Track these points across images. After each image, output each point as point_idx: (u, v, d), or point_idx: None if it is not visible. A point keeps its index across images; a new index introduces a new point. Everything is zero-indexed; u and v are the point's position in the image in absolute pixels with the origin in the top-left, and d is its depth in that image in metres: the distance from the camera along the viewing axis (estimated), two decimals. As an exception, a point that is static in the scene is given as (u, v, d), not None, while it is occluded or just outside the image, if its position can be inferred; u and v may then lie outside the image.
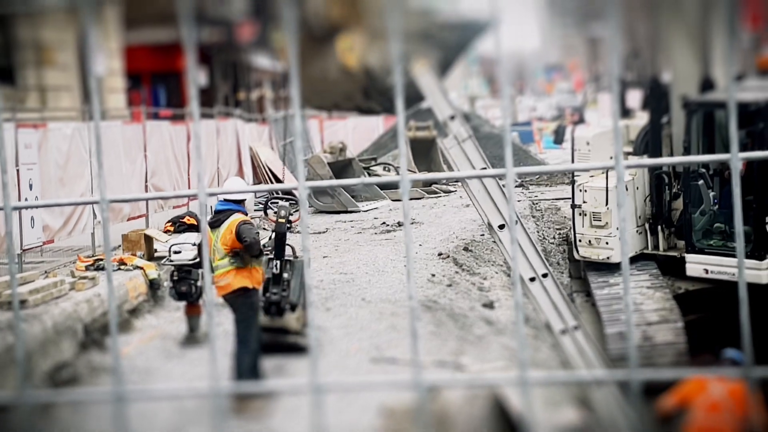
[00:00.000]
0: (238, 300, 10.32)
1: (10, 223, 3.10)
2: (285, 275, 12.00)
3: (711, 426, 8.89)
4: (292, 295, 11.96)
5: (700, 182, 15.96)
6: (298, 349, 11.78)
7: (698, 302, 16.02)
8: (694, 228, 16.07)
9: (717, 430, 8.88)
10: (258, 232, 10.53)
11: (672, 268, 16.53)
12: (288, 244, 12.07)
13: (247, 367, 10.06)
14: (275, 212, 12.88)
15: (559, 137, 34.60)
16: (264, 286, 11.78)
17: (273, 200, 14.35)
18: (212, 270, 10.51)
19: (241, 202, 10.83)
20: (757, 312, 14.22)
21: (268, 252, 12.01)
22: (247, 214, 10.91)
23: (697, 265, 15.77)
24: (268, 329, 11.78)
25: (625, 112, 19.26)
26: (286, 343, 11.85)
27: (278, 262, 11.97)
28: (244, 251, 10.35)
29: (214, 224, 10.72)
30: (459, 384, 9.43)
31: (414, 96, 14.77)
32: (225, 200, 10.88)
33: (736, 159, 2.72)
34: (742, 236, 2.90)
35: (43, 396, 9.16)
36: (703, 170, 16.01)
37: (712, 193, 16.01)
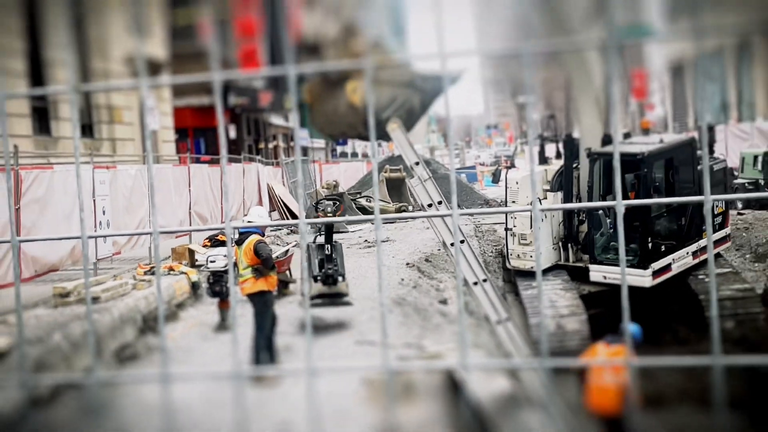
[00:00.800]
0: (256, 298, 10.37)
1: (86, 248, 3.21)
2: (334, 255, 12.72)
3: (599, 383, 8.94)
4: (341, 269, 12.70)
5: (600, 212, 16.18)
6: (347, 304, 12.75)
7: (598, 300, 16.17)
8: (595, 246, 16.28)
9: (604, 386, 8.92)
10: (271, 249, 10.61)
11: (579, 275, 16.71)
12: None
13: (262, 345, 10.18)
14: (323, 210, 13.41)
15: (496, 178, 34.92)
16: (319, 263, 12.55)
17: (321, 201, 14.68)
18: (238, 276, 10.63)
19: (259, 226, 10.89)
20: (641, 306, 14.47)
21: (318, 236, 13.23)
22: (263, 235, 10.94)
23: (598, 273, 15.99)
24: (327, 295, 12.53)
25: (544, 160, 19.41)
26: (341, 302, 12.64)
27: (329, 245, 12.70)
28: (260, 264, 10.41)
29: (239, 242, 10.74)
30: (417, 368, 9.50)
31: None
32: (249, 222, 10.98)
33: (621, 205, 2.88)
34: (624, 256, 3.00)
35: (106, 377, 9.18)
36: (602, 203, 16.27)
37: (608, 220, 16.22)
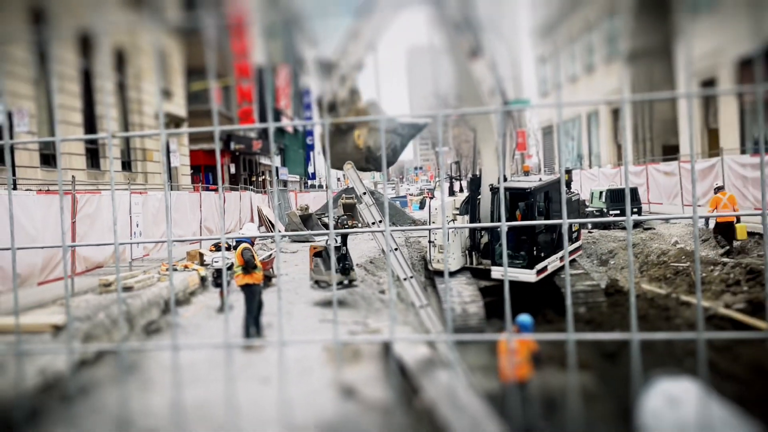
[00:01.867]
0: (245, 289, 10.29)
1: (117, 251, 3.14)
2: (347, 254, 13.15)
3: (509, 362, 8.98)
4: (351, 264, 13.25)
5: (499, 229, 16.39)
6: (356, 286, 13.47)
7: (492, 292, 16.25)
8: (495, 253, 16.37)
9: (512, 366, 8.94)
10: (252, 255, 10.48)
11: (480, 275, 16.77)
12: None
13: (250, 323, 10.13)
14: (341, 222, 14.01)
15: (422, 205, 34.96)
16: (337, 260, 12.91)
17: (341, 216, 15.14)
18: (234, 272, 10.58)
19: (249, 237, 10.80)
20: (528, 296, 14.54)
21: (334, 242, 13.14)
22: (252, 244, 10.81)
23: (497, 272, 16.05)
24: (342, 282, 12.97)
25: (453, 193, 19.47)
26: (353, 285, 13.24)
27: (345, 247, 13.13)
28: (246, 264, 10.31)
29: (235, 248, 10.78)
30: (357, 340, 9.44)
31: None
32: (242, 234, 10.92)
33: (504, 227, 2.85)
34: (507, 260, 2.99)
35: (133, 346, 9.01)
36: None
37: (510, 235, 16.49)
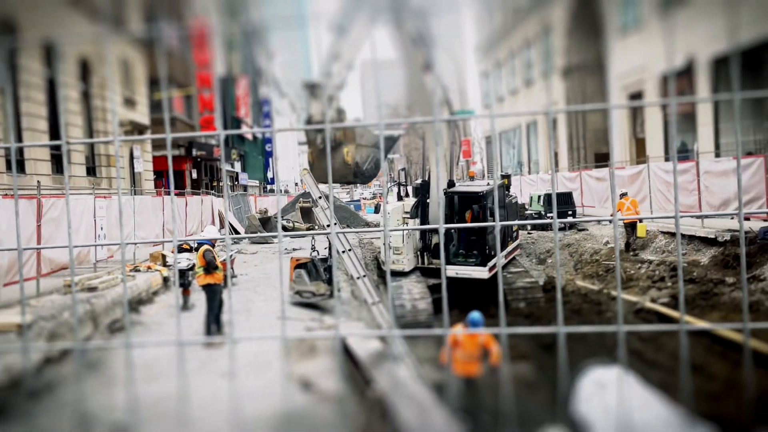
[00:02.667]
0: (206, 288, 10.18)
1: (72, 253, 3.09)
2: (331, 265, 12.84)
3: (458, 357, 8.99)
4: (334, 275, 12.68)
5: (452, 230, 16.51)
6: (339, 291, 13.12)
7: (440, 290, 16.34)
8: (450, 253, 16.48)
9: (462, 361, 8.95)
10: (214, 256, 10.36)
11: (433, 274, 16.81)
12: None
13: (211, 320, 10.04)
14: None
15: (377, 209, 34.94)
16: (324, 270, 12.91)
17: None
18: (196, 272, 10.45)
19: (209, 239, 10.68)
20: (475, 292, 14.66)
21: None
22: (213, 245, 10.69)
23: (451, 270, 16.11)
24: (329, 291, 12.62)
25: (401, 197, 19.55)
26: (337, 294, 12.55)
27: (331, 259, 12.94)
28: (207, 265, 10.18)
29: (197, 249, 10.67)
30: (311, 336, 9.40)
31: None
32: (203, 236, 10.80)
33: (442, 229, 2.91)
34: (444, 259, 3.02)
35: (87, 345, 8.85)
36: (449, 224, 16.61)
37: (455, 235, 16.59)
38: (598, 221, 18.05)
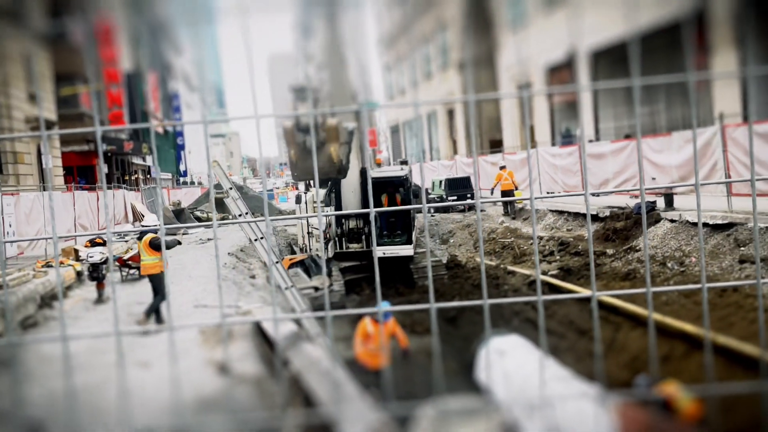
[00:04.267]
0: (154, 277, 10.14)
1: (2, 252, 2.89)
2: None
3: (367, 350, 8.90)
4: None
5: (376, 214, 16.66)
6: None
7: (353, 270, 16.42)
8: (377, 236, 16.65)
9: (370, 353, 8.85)
10: (159, 240, 10.11)
11: (348, 257, 16.83)
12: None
13: (156, 305, 10.05)
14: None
15: (297, 200, 34.83)
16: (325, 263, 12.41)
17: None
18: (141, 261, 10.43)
19: (153, 227, 10.40)
20: (403, 268, 14.79)
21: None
22: (156, 233, 10.33)
23: (378, 251, 16.21)
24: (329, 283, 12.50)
25: (308, 187, 19.53)
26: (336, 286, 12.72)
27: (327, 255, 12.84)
28: (157, 251, 10.02)
29: (140, 238, 10.50)
30: (236, 321, 9.25)
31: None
32: (144, 226, 10.59)
33: (372, 213, 2.90)
34: (375, 238, 3.04)
35: (19, 340, 8.41)
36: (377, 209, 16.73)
37: (379, 218, 16.72)
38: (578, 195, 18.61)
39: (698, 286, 2.69)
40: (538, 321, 3.03)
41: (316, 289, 12.42)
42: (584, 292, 12.36)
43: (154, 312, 10.03)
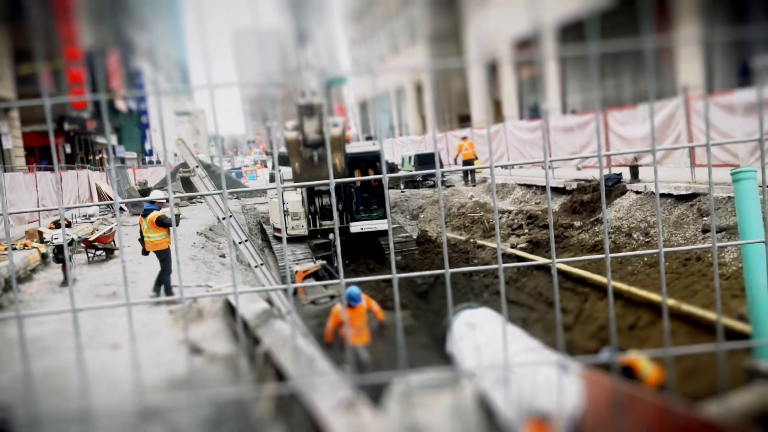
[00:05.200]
0: (161, 252, 10.32)
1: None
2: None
3: (347, 334, 9.07)
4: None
5: (353, 191, 16.73)
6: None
7: (323, 248, 16.40)
8: (353, 211, 16.53)
9: (353, 335, 9.02)
10: (167, 218, 10.12)
11: (319, 235, 16.83)
12: None
13: (165, 278, 10.35)
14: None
15: (272, 179, 34.43)
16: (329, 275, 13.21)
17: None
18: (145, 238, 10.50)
19: (157, 203, 10.52)
20: (374, 241, 14.83)
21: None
22: (160, 209, 10.44)
23: (356, 226, 16.22)
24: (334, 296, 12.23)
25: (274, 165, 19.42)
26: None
27: (333, 267, 13.27)
28: (163, 228, 10.23)
29: (144, 215, 10.48)
30: (203, 295, 9.20)
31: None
32: (150, 203, 10.52)
33: (333, 184, 2.89)
34: (337, 217, 3.03)
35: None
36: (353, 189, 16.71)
37: (355, 195, 16.82)
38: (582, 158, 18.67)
39: (656, 251, 2.76)
40: (501, 289, 3.06)
41: (332, 297, 12.39)
42: (544, 260, 12.54)
43: (168, 288, 10.30)
